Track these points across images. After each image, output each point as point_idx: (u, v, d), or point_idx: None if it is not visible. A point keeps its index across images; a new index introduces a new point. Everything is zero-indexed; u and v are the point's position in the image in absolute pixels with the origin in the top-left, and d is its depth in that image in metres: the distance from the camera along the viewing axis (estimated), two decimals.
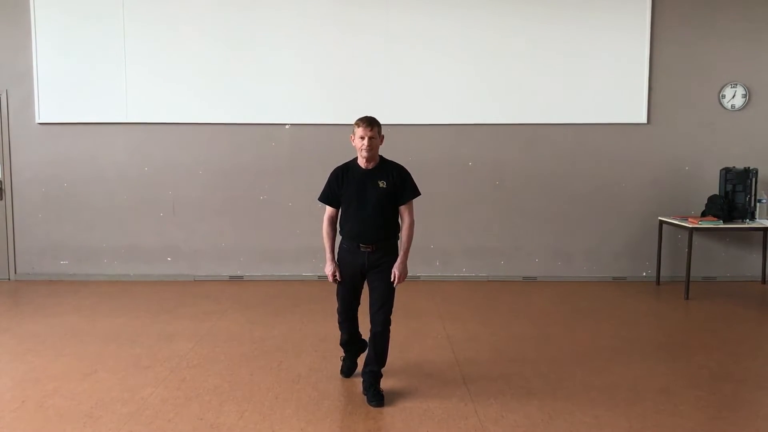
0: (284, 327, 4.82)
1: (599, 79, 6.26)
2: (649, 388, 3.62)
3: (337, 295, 3.59)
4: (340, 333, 3.72)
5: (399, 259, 3.47)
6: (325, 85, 6.27)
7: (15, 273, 6.49)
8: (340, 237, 3.53)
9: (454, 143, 6.36)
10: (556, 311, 5.34)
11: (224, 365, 3.98)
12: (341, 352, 3.85)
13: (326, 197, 3.51)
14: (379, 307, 3.42)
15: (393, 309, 3.49)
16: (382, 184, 3.41)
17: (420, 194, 3.55)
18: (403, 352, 4.22)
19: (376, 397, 3.38)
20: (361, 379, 3.53)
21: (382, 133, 3.46)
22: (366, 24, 6.24)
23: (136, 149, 6.38)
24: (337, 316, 3.66)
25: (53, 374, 3.81)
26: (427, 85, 6.28)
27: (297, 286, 6.20)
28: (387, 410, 3.32)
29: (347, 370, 3.78)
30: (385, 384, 3.60)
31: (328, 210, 3.52)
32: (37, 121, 6.33)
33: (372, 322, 3.45)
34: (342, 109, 6.24)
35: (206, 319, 5.02)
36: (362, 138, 3.34)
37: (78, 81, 6.27)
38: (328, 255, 3.50)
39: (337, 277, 3.51)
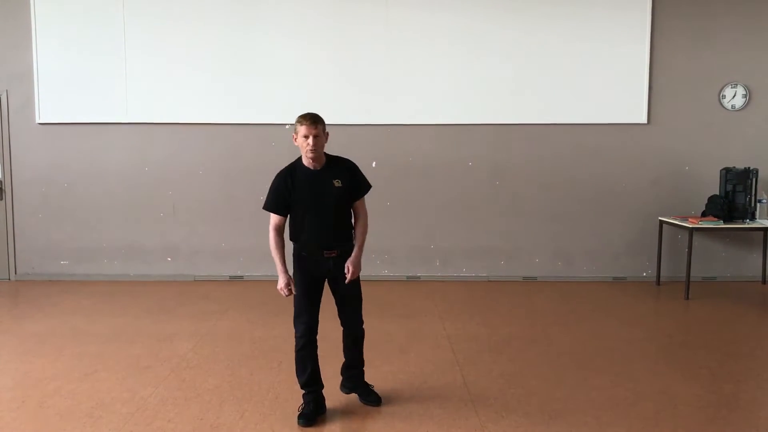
0: (284, 327, 4.81)
1: (599, 79, 6.26)
2: (649, 388, 3.62)
3: (298, 311, 3.26)
4: (298, 374, 3.29)
5: (354, 254, 3.25)
6: (325, 85, 6.27)
7: (15, 273, 6.49)
8: (296, 245, 3.27)
9: (454, 143, 6.36)
10: (556, 311, 5.33)
11: (224, 365, 3.98)
12: (299, 413, 3.23)
13: (274, 206, 3.19)
14: (353, 309, 3.36)
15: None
16: (337, 183, 3.17)
17: (371, 186, 3.34)
18: (403, 352, 4.22)
19: (366, 392, 3.43)
20: (345, 384, 3.49)
21: (327, 130, 3.22)
22: (366, 24, 6.23)
23: (136, 149, 6.38)
24: (295, 349, 3.28)
25: (53, 374, 3.81)
26: (427, 85, 6.28)
27: None
28: (387, 410, 3.32)
29: (310, 414, 3.19)
30: (385, 384, 3.61)
31: (275, 219, 3.21)
32: (37, 121, 6.33)
33: (348, 325, 3.37)
34: (342, 109, 6.24)
35: (206, 319, 5.02)
36: (306, 137, 3.09)
37: (78, 81, 6.27)
38: (280, 267, 3.20)
39: (292, 290, 3.23)
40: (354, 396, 3.51)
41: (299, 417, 3.18)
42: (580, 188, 6.40)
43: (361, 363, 3.48)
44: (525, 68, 6.27)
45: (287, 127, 6.35)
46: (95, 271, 6.46)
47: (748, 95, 6.31)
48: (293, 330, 3.36)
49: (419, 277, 6.44)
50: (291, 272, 3.31)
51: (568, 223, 6.43)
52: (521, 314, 5.23)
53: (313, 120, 3.11)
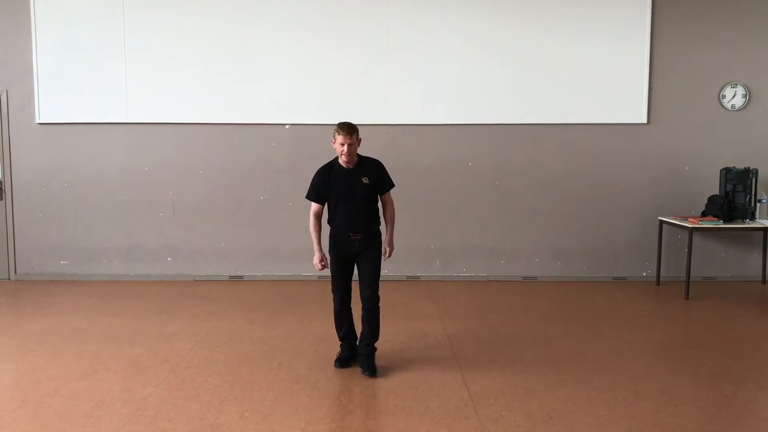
0: (284, 327, 4.82)
1: (599, 79, 6.26)
2: (649, 388, 3.62)
3: (333, 283, 3.93)
4: (336, 330, 4.01)
5: (387, 237, 3.98)
6: (325, 85, 6.28)
7: (15, 273, 6.49)
8: (331, 228, 3.89)
9: (454, 143, 6.36)
10: (556, 311, 5.34)
11: (224, 365, 3.98)
12: (335, 359, 4.01)
13: (314, 195, 3.89)
14: (368, 284, 3.87)
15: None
16: (365, 179, 3.82)
17: (394, 185, 4.00)
18: (403, 352, 4.22)
19: (371, 368, 3.80)
20: (359, 355, 3.94)
21: (360, 137, 3.80)
22: (366, 23, 6.24)
23: (136, 149, 6.38)
24: (333, 311, 3.98)
25: (53, 374, 3.81)
26: (427, 85, 6.28)
27: (297, 286, 6.20)
28: (387, 410, 3.32)
29: (344, 359, 3.96)
30: (386, 384, 3.61)
31: (315, 206, 3.90)
32: (37, 121, 6.33)
33: (363, 299, 3.87)
34: (342, 109, 6.24)
35: (206, 319, 5.02)
36: (342, 144, 3.71)
37: (78, 81, 6.28)
38: (316, 246, 3.89)
39: (325, 264, 3.90)
40: (357, 395, 3.52)
41: (336, 360, 3.93)
42: (580, 188, 6.41)
43: (372, 338, 3.91)
44: (525, 68, 6.27)
45: (287, 127, 6.35)
46: (95, 271, 6.46)
47: (748, 95, 6.31)
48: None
49: (419, 277, 6.44)
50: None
51: (568, 223, 6.43)
52: (521, 314, 5.23)
53: (348, 131, 3.72)
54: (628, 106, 6.30)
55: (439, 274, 6.47)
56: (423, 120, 6.31)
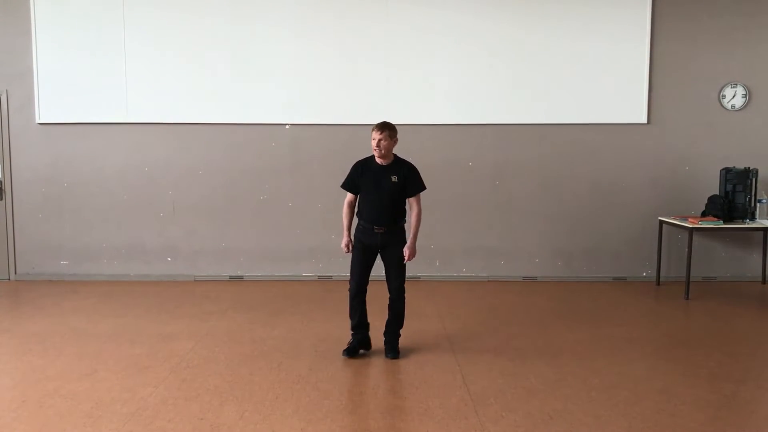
0: (284, 327, 4.82)
1: (599, 78, 6.26)
2: (649, 388, 3.62)
3: (352, 270, 4.09)
4: (350, 317, 4.14)
5: (409, 241, 4.10)
6: (325, 85, 6.27)
7: (15, 273, 6.49)
8: (358, 219, 4.10)
9: (454, 143, 6.36)
10: (556, 311, 5.33)
11: (224, 365, 3.98)
12: (344, 348, 4.16)
13: (348, 185, 4.14)
14: (394, 277, 4.11)
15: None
16: (394, 178, 4.01)
17: (426, 188, 4.13)
18: (404, 352, 4.22)
19: (393, 351, 4.11)
20: (383, 341, 4.20)
21: (396, 136, 4.03)
22: (366, 24, 6.23)
23: (136, 149, 6.38)
24: (349, 297, 4.12)
25: (53, 374, 3.81)
26: (427, 85, 6.28)
27: (297, 286, 6.20)
28: (387, 410, 3.32)
29: (352, 349, 4.11)
30: (386, 384, 3.61)
31: (349, 195, 4.15)
32: (37, 121, 6.33)
33: (389, 290, 4.14)
34: (342, 109, 6.25)
35: (206, 319, 5.02)
36: (374, 139, 3.97)
37: (78, 81, 6.27)
38: (345, 231, 4.12)
39: (350, 248, 4.11)
40: (357, 395, 3.53)
41: (344, 350, 4.09)
42: (580, 188, 6.41)
43: (396, 325, 4.17)
44: (525, 68, 6.27)
45: (287, 127, 6.35)
46: (95, 271, 6.46)
47: (748, 95, 6.31)
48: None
49: (419, 277, 6.44)
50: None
51: (568, 223, 6.43)
52: (521, 314, 5.22)
53: (380, 127, 3.99)
54: (628, 106, 6.30)
55: (439, 274, 6.47)
56: (423, 120, 6.31)
